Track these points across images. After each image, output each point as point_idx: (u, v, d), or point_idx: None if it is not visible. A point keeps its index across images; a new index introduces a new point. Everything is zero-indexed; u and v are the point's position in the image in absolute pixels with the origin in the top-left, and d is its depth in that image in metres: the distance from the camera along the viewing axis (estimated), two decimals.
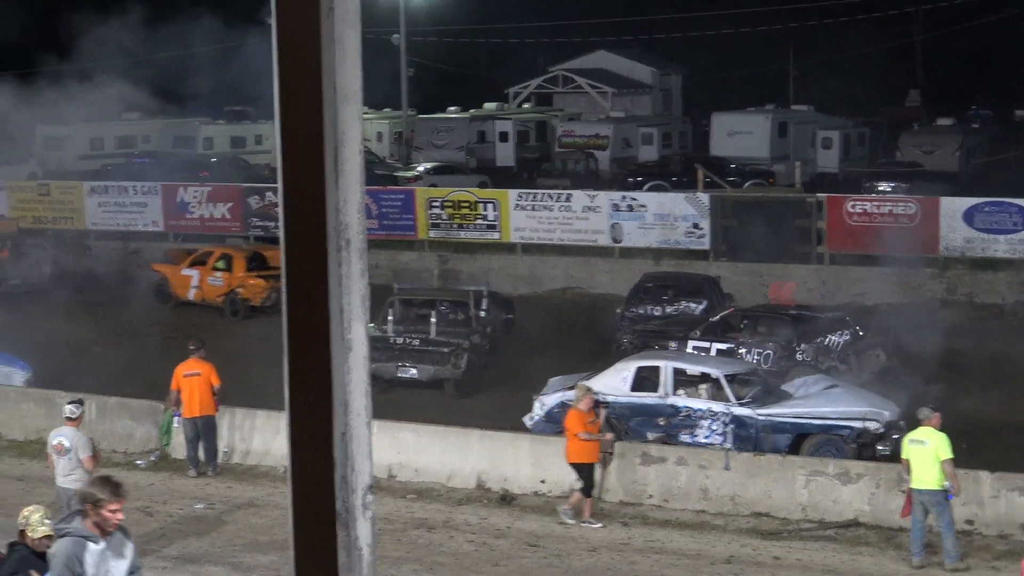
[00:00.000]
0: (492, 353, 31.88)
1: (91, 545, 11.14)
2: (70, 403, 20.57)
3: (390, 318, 31.25)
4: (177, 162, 61.41)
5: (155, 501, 23.66)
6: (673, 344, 30.45)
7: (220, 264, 39.22)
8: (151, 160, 62.48)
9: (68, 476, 19.77)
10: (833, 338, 29.97)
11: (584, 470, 22.32)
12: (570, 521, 22.20)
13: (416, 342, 30.47)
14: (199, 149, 67.57)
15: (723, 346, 29.91)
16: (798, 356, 29.39)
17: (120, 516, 11.19)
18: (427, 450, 24.70)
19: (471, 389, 30.38)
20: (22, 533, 12.88)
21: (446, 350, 30.26)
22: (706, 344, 30.09)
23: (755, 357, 29.33)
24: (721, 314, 31.66)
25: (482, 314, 31.79)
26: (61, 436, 20.01)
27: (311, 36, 3.74)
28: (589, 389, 23.09)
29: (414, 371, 30.23)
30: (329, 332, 3.80)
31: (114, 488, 11.23)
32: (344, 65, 3.79)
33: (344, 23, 3.79)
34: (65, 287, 40.58)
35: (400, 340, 30.57)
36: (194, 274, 39.07)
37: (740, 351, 29.62)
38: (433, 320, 30.89)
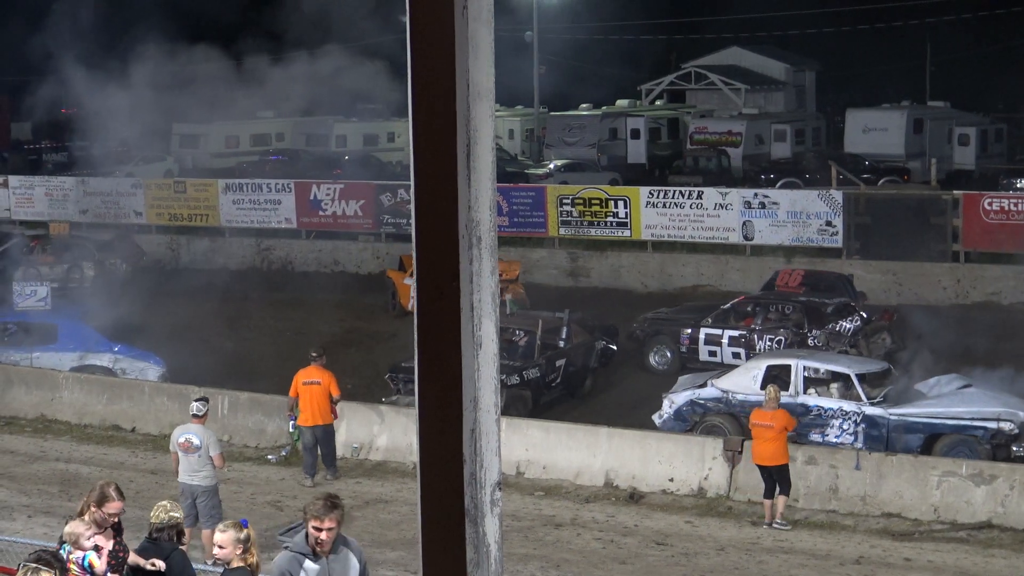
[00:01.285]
0: (568, 385, 29.71)
1: (308, 563, 11.01)
2: (196, 400, 20.63)
3: None
4: (310, 160, 61.96)
5: (285, 496, 23.91)
6: (687, 331, 31.10)
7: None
8: (285, 158, 63.13)
9: (197, 473, 19.88)
10: (844, 324, 30.10)
11: (788, 470, 22.25)
12: (786, 527, 22.04)
13: None
14: (332, 147, 68.11)
15: (735, 333, 30.54)
16: (810, 342, 29.55)
17: (324, 535, 11.04)
18: (555, 447, 24.72)
19: None
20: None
21: None
22: (718, 331, 30.75)
23: (767, 343, 29.76)
24: (731, 302, 32.04)
25: (560, 343, 29.72)
26: (189, 433, 20.02)
27: (445, 34, 3.76)
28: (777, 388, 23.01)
29: None
30: (460, 329, 3.81)
31: (325, 505, 11.07)
32: (477, 63, 3.81)
33: (478, 21, 3.81)
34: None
35: None
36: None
37: (752, 338, 30.15)
38: None
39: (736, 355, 29.89)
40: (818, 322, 30.18)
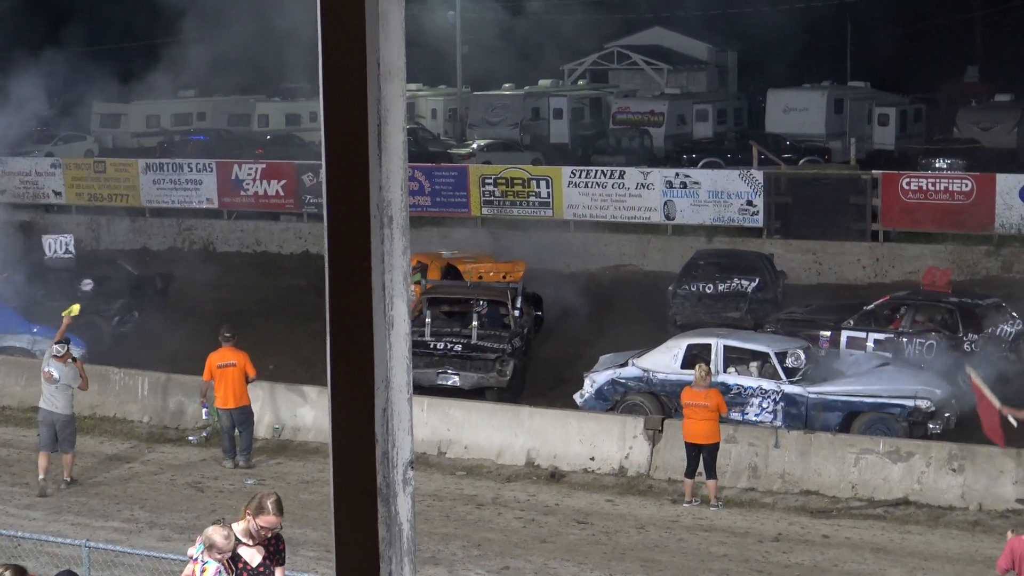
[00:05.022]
0: (528, 355, 29.57)
1: None
2: (57, 343, 22.97)
3: (428, 320, 28.38)
4: (232, 139, 61.56)
5: (206, 477, 23.81)
6: (825, 334, 28.53)
7: (415, 276, 32.05)
8: (206, 137, 62.71)
9: (57, 403, 22.65)
10: (1005, 327, 28.07)
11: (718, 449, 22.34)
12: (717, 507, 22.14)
13: (459, 347, 27.69)
14: (254, 126, 67.74)
15: (880, 336, 28.16)
16: (966, 347, 27.40)
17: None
18: (477, 427, 24.76)
19: (511, 397, 27.51)
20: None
21: (492, 357, 27.56)
22: (861, 334, 28.27)
23: (916, 348, 27.78)
24: (876, 302, 29.58)
25: (516, 313, 29.30)
26: (52, 367, 22.76)
27: (355, 13, 3.74)
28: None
29: (456, 378, 27.49)
30: (371, 309, 3.81)
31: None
32: (388, 42, 3.80)
33: (388, 0, 3.80)
34: None
35: (441, 345, 27.79)
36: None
37: (900, 341, 27.99)
38: (475, 324, 28.13)
39: None
40: (974, 325, 27.87)
